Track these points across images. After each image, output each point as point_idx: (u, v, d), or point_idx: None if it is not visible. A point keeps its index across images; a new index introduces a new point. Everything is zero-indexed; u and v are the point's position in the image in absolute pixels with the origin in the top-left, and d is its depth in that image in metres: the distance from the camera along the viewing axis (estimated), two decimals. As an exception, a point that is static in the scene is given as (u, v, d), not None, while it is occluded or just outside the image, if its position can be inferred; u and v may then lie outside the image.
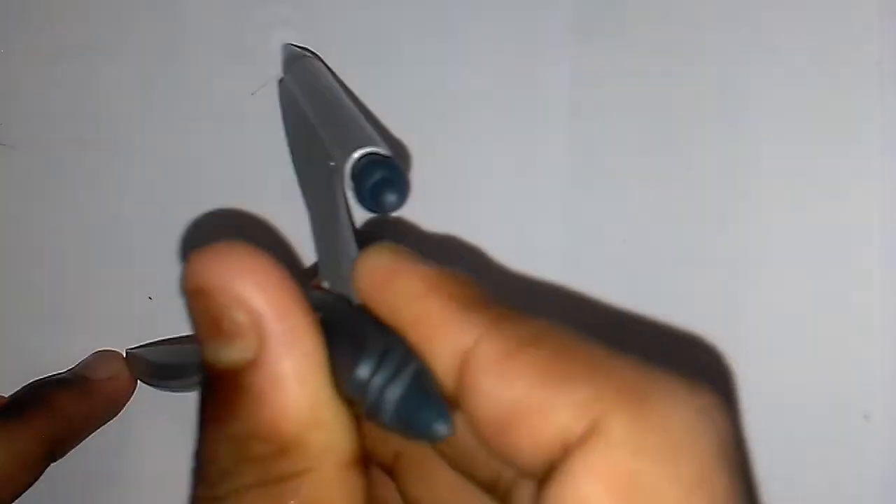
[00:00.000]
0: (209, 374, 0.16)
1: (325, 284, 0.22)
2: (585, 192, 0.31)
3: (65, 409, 0.29)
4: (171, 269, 0.32)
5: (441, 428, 0.15)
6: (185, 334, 0.32)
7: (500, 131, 0.31)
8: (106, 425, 0.31)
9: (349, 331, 0.16)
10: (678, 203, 0.31)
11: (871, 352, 0.30)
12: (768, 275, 0.30)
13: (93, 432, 0.31)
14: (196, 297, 0.16)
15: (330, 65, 0.31)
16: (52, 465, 0.29)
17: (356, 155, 0.21)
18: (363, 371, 0.16)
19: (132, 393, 0.32)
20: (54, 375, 0.31)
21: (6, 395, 0.31)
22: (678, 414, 0.14)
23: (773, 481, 0.27)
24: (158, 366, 0.31)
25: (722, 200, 0.31)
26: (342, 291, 0.20)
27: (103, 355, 0.32)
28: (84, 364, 0.32)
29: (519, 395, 0.14)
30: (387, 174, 0.20)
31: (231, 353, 0.15)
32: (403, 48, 0.32)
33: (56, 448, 0.29)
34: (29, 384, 0.31)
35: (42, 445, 0.28)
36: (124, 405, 0.32)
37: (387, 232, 0.31)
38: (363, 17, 0.32)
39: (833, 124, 0.30)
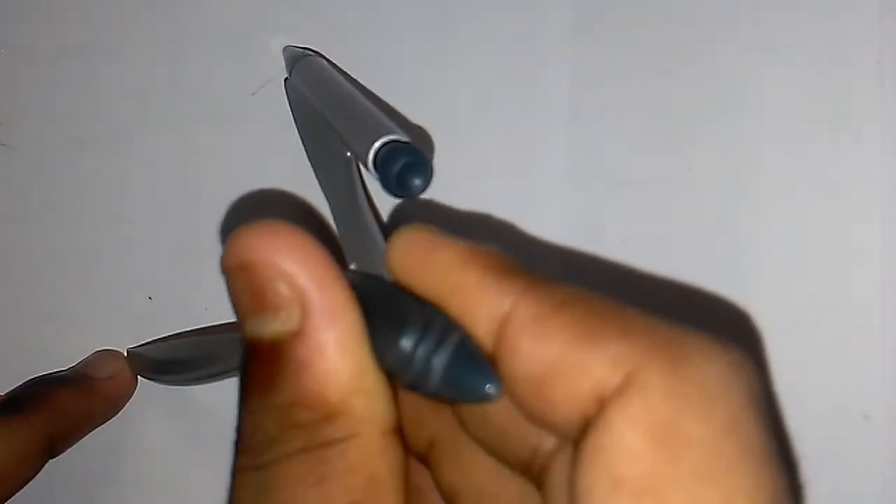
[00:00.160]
0: (251, 348, 0.17)
1: (353, 267, 0.23)
2: (585, 192, 0.31)
3: (64, 406, 0.29)
4: (171, 269, 0.32)
5: (491, 388, 0.16)
6: (184, 330, 0.32)
7: (500, 131, 0.31)
8: (105, 424, 0.31)
9: (388, 306, 0.17)
10: (678, 203, 0.31)
11: (871, 352, 0.30)
12: (768, 275, 0.30)
13: (92, 430, 0.31)
14: (239, 273, 0.16)
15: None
16: (50, 463, 0.29)
17: (377, 144, 0.21)
18: (406, 343, 0.16)
19: (132, 393, 0.32)
20: (55, 373, 0.31)
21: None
22: (711, 366, 0.15)
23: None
24: (160, 361, 0.31)
25: (722, 200, 0.31)
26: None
27: (104, 354, 0.32)
28: (85, 363, 0.32)
29: (556, 353, 0.15)
30: (410, 159, 0.21)
31: (275, 325, 0.16)
32: (403, 48, 0.32)
33: (55, 445, 0.29)
34: (29, 381, 0.31)
35: (41, 442, 0.28)
36: (124, 405, 0.32)
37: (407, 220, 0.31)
38: (363, 18, 0.32)
39: (833, 124, 0.30)
